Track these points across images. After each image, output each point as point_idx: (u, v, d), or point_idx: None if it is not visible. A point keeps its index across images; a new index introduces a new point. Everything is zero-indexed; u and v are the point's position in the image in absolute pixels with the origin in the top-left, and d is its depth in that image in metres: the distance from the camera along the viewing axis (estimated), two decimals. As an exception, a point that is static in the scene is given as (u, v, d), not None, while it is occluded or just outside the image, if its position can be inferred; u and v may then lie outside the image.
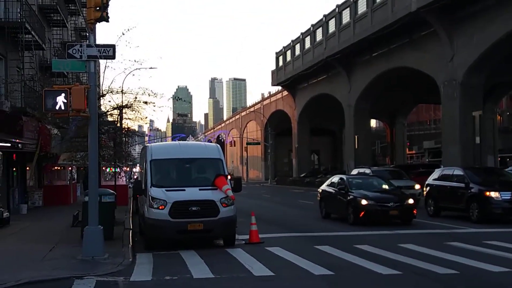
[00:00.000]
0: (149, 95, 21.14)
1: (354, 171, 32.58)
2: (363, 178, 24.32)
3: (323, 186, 24.18)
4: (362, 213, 19.66)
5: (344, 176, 23.82)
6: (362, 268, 11.66)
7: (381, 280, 10.62)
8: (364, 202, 19.74)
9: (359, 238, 16.27)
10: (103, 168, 38.99)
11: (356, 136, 49.85)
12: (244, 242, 15.68)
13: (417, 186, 28.02)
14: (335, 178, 23.64)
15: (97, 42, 13.92)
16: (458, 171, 22.62)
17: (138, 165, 39.49)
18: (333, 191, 22.40)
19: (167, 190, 14.80)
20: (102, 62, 21.96)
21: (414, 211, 19.98)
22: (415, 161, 79.67)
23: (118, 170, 33.26)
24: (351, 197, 20.45)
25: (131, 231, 18.15)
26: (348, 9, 47.38)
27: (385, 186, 21.96)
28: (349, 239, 16.12)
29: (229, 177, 15.87)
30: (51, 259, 13.09)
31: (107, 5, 13.33)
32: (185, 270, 11.71)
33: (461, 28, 33.38)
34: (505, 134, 61.41)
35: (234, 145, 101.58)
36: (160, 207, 14.48)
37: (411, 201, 20.07)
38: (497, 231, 17.47)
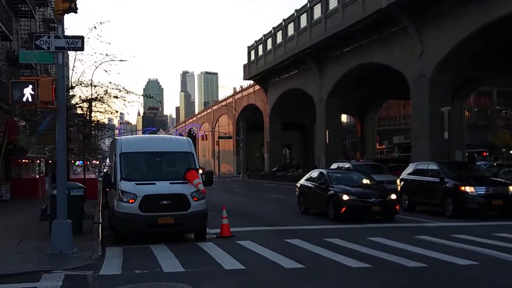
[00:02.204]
0: (120, 90, 20.92)
1: (334, 165, 31.62)
2: (344, 173, 23.50)
3: (302, 181, 23.34)
4: (344, 208, 18.86)
5: (324, 170, 22.89)
6: (332, 261, 11.74)
7: (351, 272, 10.71)
8: (345, 197, 18.93)
9: (330, 232, 16.34)
10: (72, 161, 38.49)
11: (327, 131, 50.16)
12: (215, 236, 15.65)
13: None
14: (315, 173, 22.79)
15: (69, 34, 13.72)
16: (433, 166, 22.33)
17: (107, 158, 39.10)
18: (313, 186, 21.58)
19: (137, 184, 14.67)
20: (72, 54, 21.72)
21: (397, 207, 19.45)
22: (385, 155, 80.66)
23: (86, 163, 32.83)
24: (331, 192, 19.60)
25: (100, 225, 17.97)
26: (320, 4, 47.55)
27: (366, 181, 21.11)
28: (320, 233, 16.18)
29: (200, 171, 15.81)
30: (18, 253, 12.88)
31: (76, -4, 13.13)
32: (156, 264, 11.64)
33: (431, 25, 33.81)
34: (473, 130, 62.64)
35: (206, 139, 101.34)
36: (130, 201, 14.35)
37: (393, 196, 19.34)
38: (466, 225, 17.65)
